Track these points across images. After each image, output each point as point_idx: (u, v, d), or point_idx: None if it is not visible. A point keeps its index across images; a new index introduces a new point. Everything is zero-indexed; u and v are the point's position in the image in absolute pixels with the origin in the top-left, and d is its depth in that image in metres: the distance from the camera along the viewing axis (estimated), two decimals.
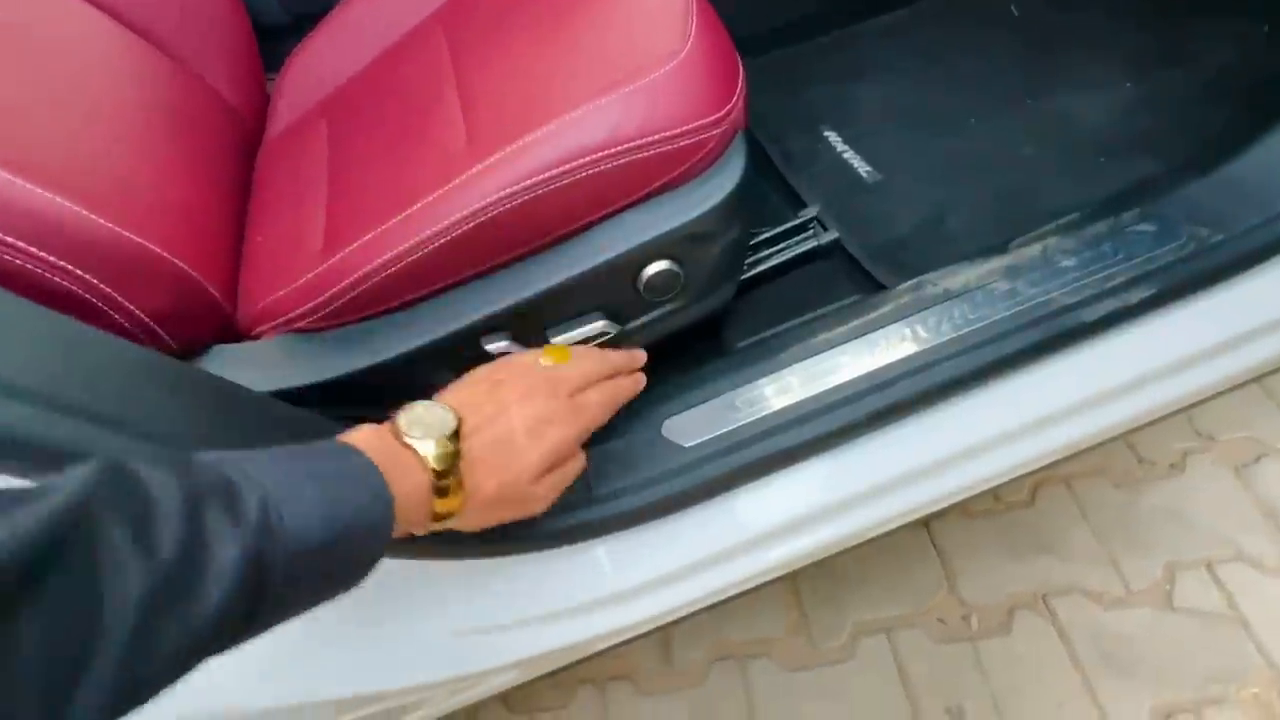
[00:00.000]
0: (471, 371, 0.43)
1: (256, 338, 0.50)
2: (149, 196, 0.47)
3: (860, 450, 0.54)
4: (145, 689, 0.22)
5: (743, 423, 0.53)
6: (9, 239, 0.36)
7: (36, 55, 0.48)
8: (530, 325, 0.50)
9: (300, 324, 0.48)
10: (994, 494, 0.97)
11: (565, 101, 0.46)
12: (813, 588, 0.93)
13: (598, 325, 0.52)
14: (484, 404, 0.40)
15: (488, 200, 0.46)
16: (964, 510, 0.97)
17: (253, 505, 0.25)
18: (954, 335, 0.53)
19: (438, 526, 0.37)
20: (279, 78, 0.75)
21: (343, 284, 0.47)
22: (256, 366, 0.46)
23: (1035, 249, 0.57)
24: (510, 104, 0.50)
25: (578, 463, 0.44)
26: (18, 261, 0.36)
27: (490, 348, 0.49)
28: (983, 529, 0.95)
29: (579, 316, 0.52)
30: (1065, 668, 0.84)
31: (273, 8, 0.79)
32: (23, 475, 0.29)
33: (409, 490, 0.34)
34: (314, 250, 0.52)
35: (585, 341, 0.53)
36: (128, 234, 0.41)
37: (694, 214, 0.47)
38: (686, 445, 0.52)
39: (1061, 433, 0.56)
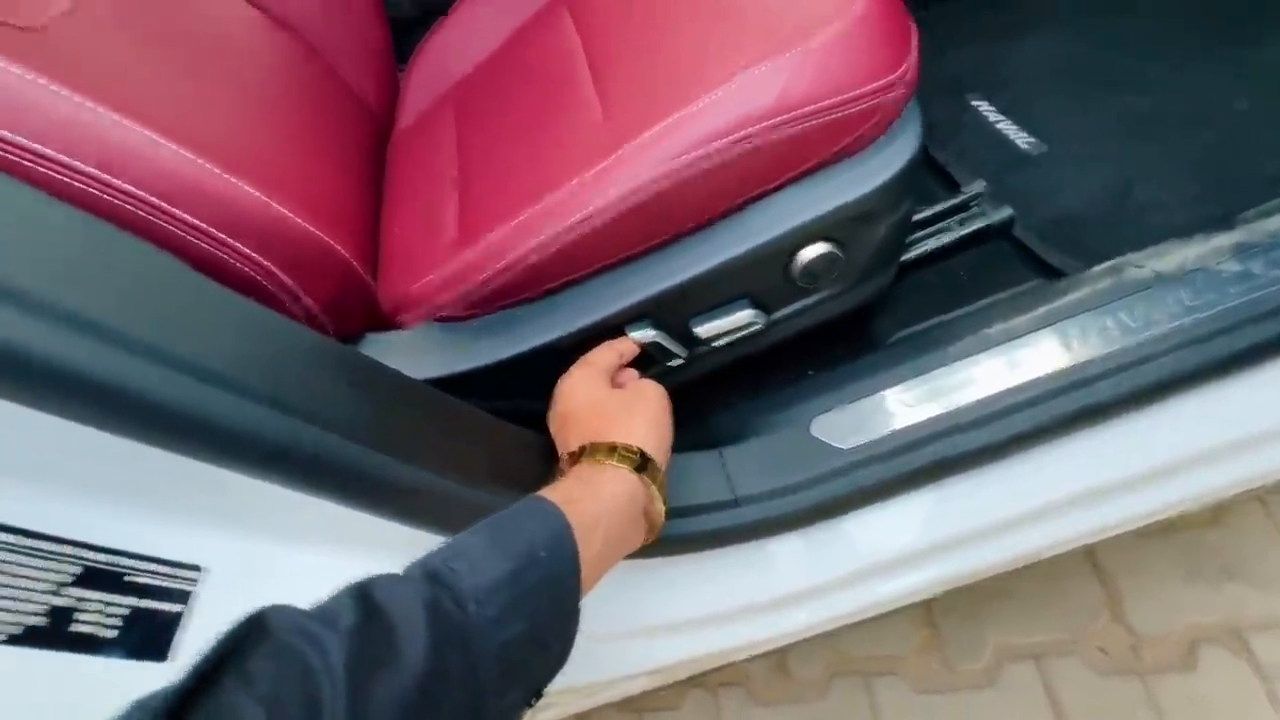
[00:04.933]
0: None
1: (399, 326, 0.50)
2: (314, 188, 0.47)
3: (1045, 459, 0.47)
4: None
5: (906, 424, 0.47)
6: (205, 225, 0.37)
7: (207, 54, 0.49)
8: (675, 314, 0.47)
9: (444, 312, 0.48)
10: None
11: (720, 71, 0.42)
12: (947, 602, 0.85)
13: (745, 315, 0.48)
14: (561, 420, 0.42)
15: (639, 182, 0.42)
16: None
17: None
18: (1171, 326, 0.45)
19: (663, 498, 0.38)
20: (407, 70, 0.76)
21: (487, 272, 0.46)
22: (405, 355, 0.46)
23: (1273, 222, 0.48)
24: (654, 78, 0.47)
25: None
26: (208, 247, 0.37)
27: (635, 336, 0.47)
28: (1155, 548, 0.83)
29: (725, 305, 0.48)
30: (1265, 712, 0.72)
31: (402, 1, 0.80)
32: (207, 459, 0.29)
33: (620, 491, 0.36)
34: (449, 238, 0.51)
35: (730, 333, 0.49)
36: (304, 224, 0.41)
37: (865, 190, 0.42)
38: (843, 447, 0.47)
39: None
